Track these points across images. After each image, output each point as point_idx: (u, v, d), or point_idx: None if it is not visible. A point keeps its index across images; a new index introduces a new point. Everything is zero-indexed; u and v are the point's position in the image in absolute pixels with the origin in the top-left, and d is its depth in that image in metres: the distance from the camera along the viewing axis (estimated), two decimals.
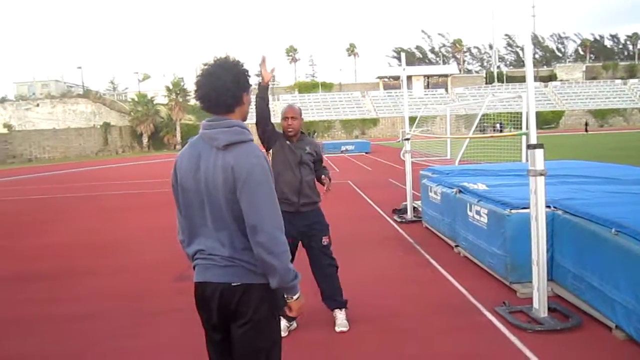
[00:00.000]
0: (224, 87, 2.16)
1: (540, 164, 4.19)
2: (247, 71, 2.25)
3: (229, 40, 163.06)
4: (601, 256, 4.13)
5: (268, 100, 4.18)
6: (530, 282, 4.87)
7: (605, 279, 4.06)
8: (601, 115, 67.33)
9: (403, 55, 10.17)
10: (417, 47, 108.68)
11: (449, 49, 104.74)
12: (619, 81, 76.82)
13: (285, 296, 2.23)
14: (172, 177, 2.31)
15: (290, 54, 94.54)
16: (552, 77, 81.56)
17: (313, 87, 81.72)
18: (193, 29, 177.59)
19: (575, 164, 9.53)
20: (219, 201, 2.14)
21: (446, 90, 76.13)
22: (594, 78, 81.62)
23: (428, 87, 77.57)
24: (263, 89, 4.12)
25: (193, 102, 65.34)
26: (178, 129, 58.67)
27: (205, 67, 2.22)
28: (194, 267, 2.31)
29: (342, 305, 4.46)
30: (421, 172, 9.28)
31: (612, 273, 3.97)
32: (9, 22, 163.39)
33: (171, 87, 59.72)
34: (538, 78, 78.10)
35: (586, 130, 52.12)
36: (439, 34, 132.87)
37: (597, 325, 4.12)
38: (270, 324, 2.25)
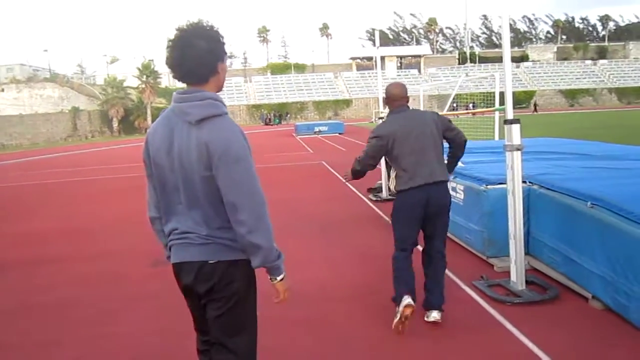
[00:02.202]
0: (196, 56, 2.04)
1: (517, 139, 4.21)
2: (222, 37, 2.13)
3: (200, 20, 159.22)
4: (577, 229, 4.21)
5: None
6: (507, 256, 4.94)
7: (582, 252, 4.14)
8: (572, 95, 68.47)
9: (377, 32, 10.12)
10: (390, 29, 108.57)
11: (422, 30, 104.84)
12: (589, 62, 78.13)
13: (270, 277, 2.17)
14: (144, 152, 2.23)
15: (262, 34, 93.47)
16: (523, 58, 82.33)
17: (285, 68, 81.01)
18: (163, 9, 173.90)
19: (548, 141, 9.68)
20: (194, 180, 2.07)
21: (419, 70, 76.33)
22: (565, 59, 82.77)
23: (401, 68, 77.60)
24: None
25: (164, 84, 64.55)
26: (149, 112, 57.57)
27: (177, 32, 2.08)
28: (169, 248, 2.25)
29: None
30: None
31: (588, 245, 4.05)
32: None
33: (141, 69, 58.47)
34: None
35: (535, 111, 52.79)
36: (412, 14, 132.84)
37: (574, 297, 4.20)
38: (247, 302, 2.21)
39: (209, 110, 2.05)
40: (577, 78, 72.25)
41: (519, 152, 4.24)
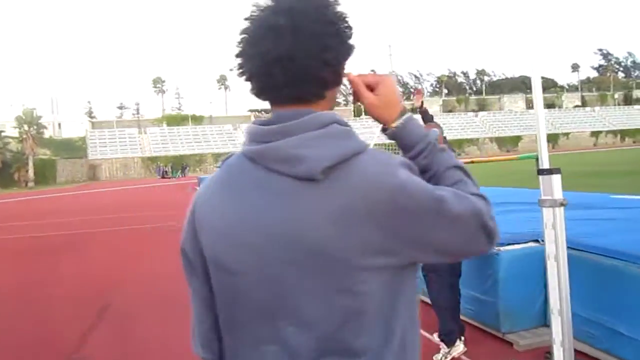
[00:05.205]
0: (317, 44, 1.00)
1: (558, 192, 3.50)
2: (347, 17, 1.06)
3: (89, 69, 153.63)
4: (626, 297, 3.52)
5: None
6: (525, 330, 4.28)
7: (636, 325, 3.44)
8: (458, 145, 72.76)
9: None
10: None
11: None
12: (471, 113, 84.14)
13: None
14: (186, 240, 1.14)
15: (158, 85, 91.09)
16: (413, 111, 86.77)
17: (182, 119, 78.97)
18: (43, 58, 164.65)
19: (491, 190, 9.31)
20: (328, 287, 0.99)
21: None
22: (450, 111, 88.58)
23: None
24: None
25: (48, 134, 60.01)
26: (31, 164, 53.07)
27: (260, 10, 1.03)
28: None
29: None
30: None
31: None
32: None
33: (23, 117, 54.28)
34: None
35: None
36: None
37: None
38: None
39: (342, 145, 1.01)
40: (462, 129, 77.17)
41: (562, 207, 3.52)
